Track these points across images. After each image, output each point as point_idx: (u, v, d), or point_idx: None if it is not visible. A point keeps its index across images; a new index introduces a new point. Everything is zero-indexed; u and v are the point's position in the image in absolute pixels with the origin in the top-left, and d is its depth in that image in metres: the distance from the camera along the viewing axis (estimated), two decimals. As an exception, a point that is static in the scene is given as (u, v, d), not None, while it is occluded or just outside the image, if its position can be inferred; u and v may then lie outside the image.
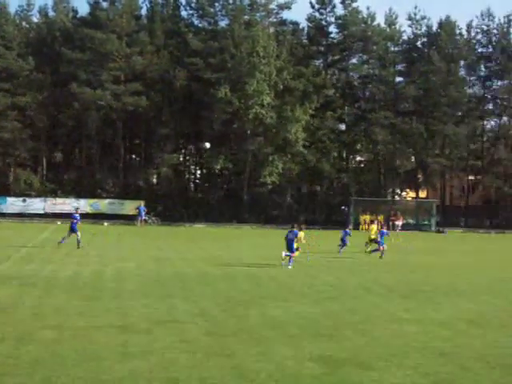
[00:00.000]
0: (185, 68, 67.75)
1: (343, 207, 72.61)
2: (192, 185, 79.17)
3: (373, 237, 36.01)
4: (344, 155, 76.83)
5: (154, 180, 75.38)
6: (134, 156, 79.91)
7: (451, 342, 13.23)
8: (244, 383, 10.12)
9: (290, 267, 26.99)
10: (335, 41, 75.01)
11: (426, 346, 12.78)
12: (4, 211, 63.99)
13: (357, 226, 63.58)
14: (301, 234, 28.61)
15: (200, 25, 73.82)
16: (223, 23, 72.77)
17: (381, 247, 33.61)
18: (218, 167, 67.94)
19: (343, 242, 35.85)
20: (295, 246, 28.11)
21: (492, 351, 12.31)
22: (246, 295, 19.00)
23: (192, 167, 79.83)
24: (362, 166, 76.97)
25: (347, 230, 37.20)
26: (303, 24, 76.10)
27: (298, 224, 30.90)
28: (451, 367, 11.17)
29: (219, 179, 73.80)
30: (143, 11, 74.77)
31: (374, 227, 37.44)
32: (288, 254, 27.96)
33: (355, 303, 18.07)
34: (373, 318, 15.74)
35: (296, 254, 28.30)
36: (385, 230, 35.25)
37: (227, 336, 13.34)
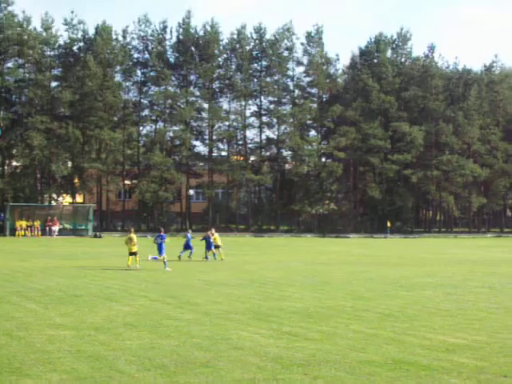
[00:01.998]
0: None
1: (-1, 213, 70.78)
2: None
3: (219, 243, 37.53)
4: (0, 160, 74.62)
5: None
6: None
7: (107, 345, 13.47)
8: None
9: (167, 269, 29.26)
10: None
11: (81, 350, 12.99)
12: None
13: (13, 232, 62.60)
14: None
15: None
16: None
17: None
18: None
19: (189, 247, 36.57)
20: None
21: (148, 353, 12.73)
22: None
23: None
24: (18, 171, 75.27)
25: (188, 234, 38.10)
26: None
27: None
28: (106, 370, 11.36)
29: None
30: None
31: (216, 235, 38.01)
32: (155, 257, 30.16)
33: (10, 309, 17.94)
34: (28, 324, 15.74)
35: (161, 257, 30.22)
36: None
37: None
